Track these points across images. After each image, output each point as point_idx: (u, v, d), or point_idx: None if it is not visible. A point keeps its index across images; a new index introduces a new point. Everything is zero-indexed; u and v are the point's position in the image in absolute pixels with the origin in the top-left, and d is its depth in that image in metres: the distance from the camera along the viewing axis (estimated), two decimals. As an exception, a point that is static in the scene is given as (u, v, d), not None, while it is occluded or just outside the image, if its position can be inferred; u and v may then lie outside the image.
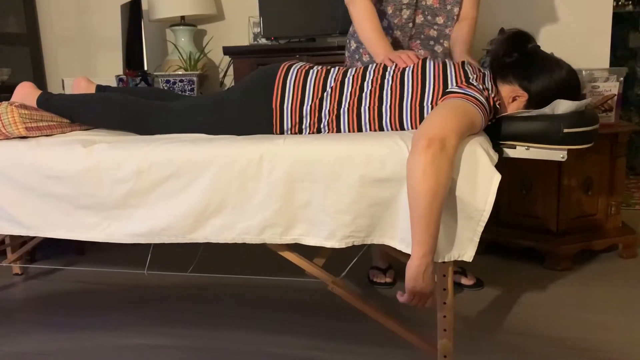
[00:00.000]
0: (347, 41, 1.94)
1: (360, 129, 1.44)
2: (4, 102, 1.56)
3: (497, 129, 1.40)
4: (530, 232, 2.24)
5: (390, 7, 1.79)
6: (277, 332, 1.72)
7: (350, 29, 1.93)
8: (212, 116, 1.53)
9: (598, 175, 2.22)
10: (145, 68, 2.79)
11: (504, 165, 2.22)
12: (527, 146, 1.37)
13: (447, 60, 1.53)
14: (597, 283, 2.03)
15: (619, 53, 3.82)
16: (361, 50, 1.87)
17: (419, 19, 1.81)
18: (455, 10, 1.82)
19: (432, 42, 1.84)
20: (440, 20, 1.82)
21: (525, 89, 1.44)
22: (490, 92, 1.38)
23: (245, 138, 1.41)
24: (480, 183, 1.23)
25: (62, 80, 2.79)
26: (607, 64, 2.61)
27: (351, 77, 1.47)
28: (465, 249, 1.25)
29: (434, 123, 1.21)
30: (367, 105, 1.43)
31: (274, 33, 2.76)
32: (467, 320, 1.77)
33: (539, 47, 1.48)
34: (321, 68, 1.52)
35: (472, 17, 1.84)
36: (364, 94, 1.43)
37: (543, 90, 1.42)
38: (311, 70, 1.50)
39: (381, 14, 1.81)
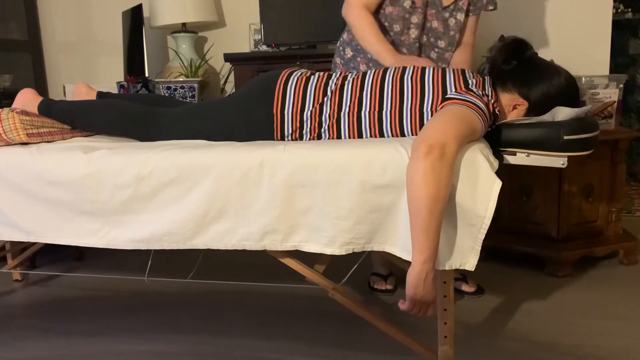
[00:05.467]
0: (340, 49, 1.93)
1: (360, 134, 1.44)
2: (5, 108, 1.56)
3: (497, 136, 1.40)
4: (531, 238, 2.23)
5: (398, 25, 1.78)
6: (277, 339, 1.71)
7: (344, 36, 1.93)
8: (212, 122, 1.53)
9: (598, 182, 2.22)
10: (146, 74, 2.80)
11: (505, 172, 2.22)
12: (528, 153, 1.37)
13: (446, 67, 1.53)
14: (598, 289, 2.03)
15: (619, 60, 3.83)
16: (358, 59, 1.87)
17: (423, 40, 1.83)
18: (457, 36, 1.85)
19: None
20: (442, 44, 1.84)
21: (524, 97, 1.45)
22: (489, 98, 1.38)
23: (246, 144, 1.42)
24: (481, 190, 1.22)
25: (64, 87, 2.80)
26: (607, 71, 2.62)
27: (351, 81, 1.47)
28: (467, 257, 1.25)
29: (433, 130, 1.22)
30: (367, 109, 1.43)
31: (275, 40, 2.77)
32: (468, 327, 1.76)
33: (536, 54, 1.49)
34: (322, 74, 1.53)
35: (471, 43, 1.90)
36: (364, 98, 1.44)
37: (542, 97, 1.43)
38: (312, 77, 1.51)
39: (386, 31, 1.80)
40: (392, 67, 1.53)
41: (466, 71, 1.46)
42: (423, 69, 1.46)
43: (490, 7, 1.88)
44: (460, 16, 1.82)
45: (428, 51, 1.85)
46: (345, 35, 1.93)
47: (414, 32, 1.79)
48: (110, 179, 1.37)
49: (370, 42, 1.70)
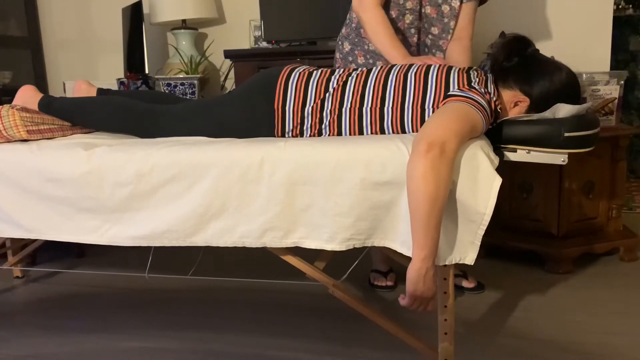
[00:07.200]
0: (339, 43, 1.94)
1: (361, 130, 1.44)
2: (5, 105, 1.56)
3: (498, 133, 1.40)
4: (532, 235, 2.24)
5: (393, 12, 1.79)
6: (278, 336, 1.72)
7: (342, 31, 1.93)
8: (213, 119, 1.53)
9: (599, 179, 2.22)
10: (147, 71, 2.80)
11: (505, 168, 2.22)
12: (528, 150, 1.37)
13: (452, 65, 1.53)
14: (599, 286, 2.03)
15: (620, 56, 3.82)
16: (356, 52, 1.88)
17: (419, 26, 1.83)
18: (452, 24, 1.84)
19: (426, 50, 1.86)
20: (435, 30, 1.84)
21: (526, 94, 1.44)
22: (492, 95, 1.38)
23: (246, 141, 1.41)
24: (481, 186, 1.22)
25: (64, 84, 2.80)
26: (607, 68, 2.62)
27: (355, 77, 1.47)
28: (467, 252, 1.25)
29: (434, 127, 1.21)
30: (369, 105, 1.43)
31: (275, 36, 2.77)
32: (468, 323, 1.76)
33: (538, 51, 1.49)
34: (324, 70, 1.52)
35: (468, 36, 1.84)
36: (366, 94, 1.44)
37: (544, 94, 1.43)
38: (314, 72, 1.51)
39: None
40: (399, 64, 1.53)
41: (470, 70, 1.46)
42: (428, 66, 1.46)
43: None
44: (455, 3, 1.83)
45: (423, 37, 1.85)
46: (343, 30, 1.93)
47: (408, 18, 1.80)
48: (110, 176, 1.37)
49: (383, 43, 1.69)
